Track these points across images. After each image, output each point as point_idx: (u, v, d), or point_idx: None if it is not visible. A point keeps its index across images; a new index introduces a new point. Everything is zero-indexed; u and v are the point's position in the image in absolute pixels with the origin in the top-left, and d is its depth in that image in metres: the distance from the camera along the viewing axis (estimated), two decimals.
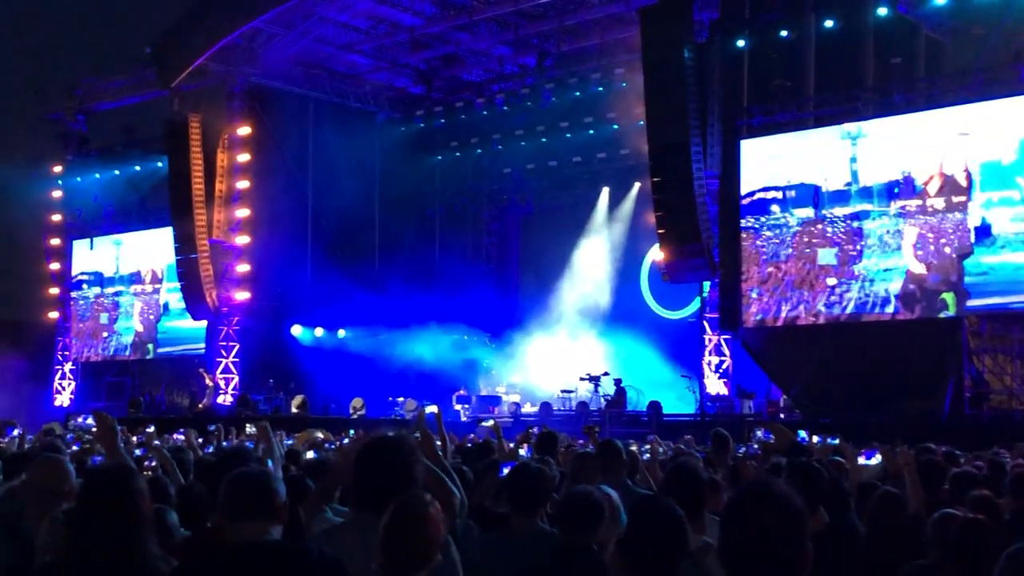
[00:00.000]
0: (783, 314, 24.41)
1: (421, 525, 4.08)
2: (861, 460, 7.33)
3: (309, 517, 5.30)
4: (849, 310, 23.42)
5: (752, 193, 24.75)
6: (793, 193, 24.21)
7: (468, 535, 5.80)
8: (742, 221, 24.92)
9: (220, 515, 4.00)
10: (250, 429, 13.08)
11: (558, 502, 5.13)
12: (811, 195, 23.92)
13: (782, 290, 24.44)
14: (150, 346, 34.03)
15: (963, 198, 21.92)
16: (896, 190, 22.82)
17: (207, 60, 29.49)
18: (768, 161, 24.63)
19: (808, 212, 24.07)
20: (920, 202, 22.59)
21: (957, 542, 5.32)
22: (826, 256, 23.89)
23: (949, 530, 5.43)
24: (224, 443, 12.59)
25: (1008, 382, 22.03)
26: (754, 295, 24.79)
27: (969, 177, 21.85)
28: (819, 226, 23.92)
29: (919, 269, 22.48)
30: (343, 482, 5.53)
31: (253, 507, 3.90)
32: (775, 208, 24.51)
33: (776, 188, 24.53)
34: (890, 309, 22.79)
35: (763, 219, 24.64)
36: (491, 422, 9.79)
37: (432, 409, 8.64)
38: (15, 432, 10.23)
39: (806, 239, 24.06)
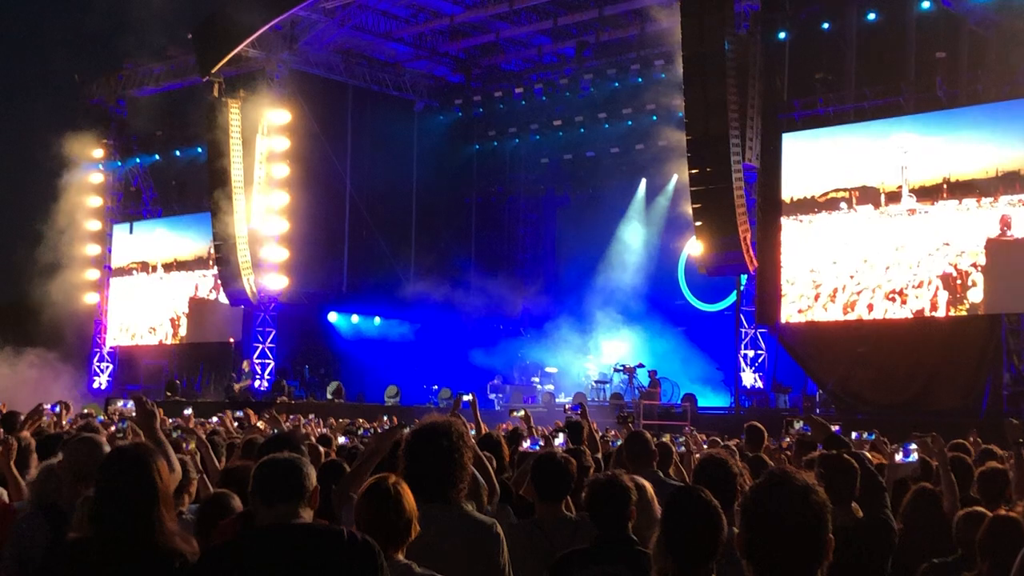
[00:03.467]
0: (821, 309, 24.27)
1: (394, 502, 4.16)
2: (898, 457, 7.27)
3: (339, 502, 5.34)
4: (887, 307, 23.24)
5: (795, 191, 24.63)
6: (840, 193, 24.07)
7: (504, 522, 5.82)
8: (783, 217, 24.81)
9: (252, 498, 4.04)
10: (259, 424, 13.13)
11: (587, 490, 5.14)
12: (860, 194, 23.77)
13: (821, 285, 24.30)
14: (187, 330, 34.28)
15: (1016, 196, 21.56)
16: (943, 190, 22.59)
17: (247, 47, 29.61)
18: (814, 160, 24.49)
19: (850, 211, 23.93)
20: (961, 201, 22.34)
21: (985, 540, 5.29)
22: (864, 254, 23.74)
23: (977, 528, 5.39)
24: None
25: None
26: (793, 289, 24.67)
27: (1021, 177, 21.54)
28: (860, 224, 23.76)
29: (962, 267, 22.27)
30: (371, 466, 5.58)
31: (285, 491, 3.94)
32: (816, 206, 24.37)
33: (820, 187, 24.40)
34: (928, 307, 22.59)
35: (803, 216, 24.51)
36: (523, 412, 9.79)
37: (467, 397, 8.68)
38: (57, 408, 10.32)
39: (845, 237, 23.91)
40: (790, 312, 24.65)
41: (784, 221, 24.72)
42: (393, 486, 4.28)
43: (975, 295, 21.96)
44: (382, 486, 4.29)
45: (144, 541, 3.93)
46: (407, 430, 5.25)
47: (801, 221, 24.56)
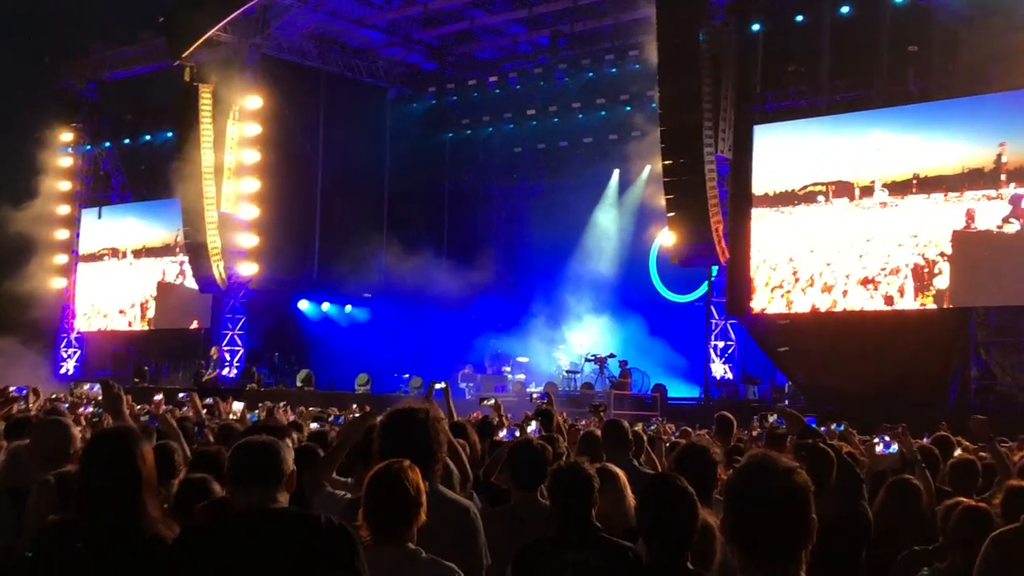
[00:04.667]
0: (791, 301, 24.40)
1: (403, 487, 4.13)
2: (879, 449, 7.32)
3: (312, 488, 5.30)
4: (857, 299, 23.40)
5: (776, 183, 24.76)
6: (818, 187, 24.25)
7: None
8: (756, 210, 24.91)
9: (228, 482, 3.99)
10: (237, 405, 13.10)
11: (549, 479, 5.12)
12: (836, 188, 23.98)
13: (799, 271, 24.41)
14: (155, 314, 34.06)
15: (988, 191, 21.87)
16: (913, 185, 22.85)
17: (219, 31, 29.39)
18: (790, 153, 24.62)
19: (827, 203, 24.11)
20: (929, 196, 22.64)
21: (956, 530, 5.32)
22: (836, 245, 23.90)
23: (951, 518, 5.43)
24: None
25: (1014, 374, 21.99)
26: (763, 281, 24.78)
27: (996, 168, 21.79)
28: (835, 216, 23.93)
29: (929, 256, 22.49)
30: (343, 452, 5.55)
31: (261, 474, 3.90)
32: (796, 198, 24.51)
33: (798, 180, 24.55)
34: (898, 294, 22.81)
35: (784, 207, 24.65)
36: (493, 400, 9.78)
37: (440, 385, 8.66)
38: (25, 391, 10.23)
39: (823, 228, 24.07)
40: (772, 298, 24.73)
41: (767, 212, 24.84)
42: (399, 470, 4.24)
43: (941, 282, 22.35)
44: (391, 470, 4.25)
45: (128, 526, 3.88)
46: (379, 418, 5.22)
47: (782, 212, 24.74)
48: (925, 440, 9.57)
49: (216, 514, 3.71)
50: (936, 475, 7.43)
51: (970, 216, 22.06)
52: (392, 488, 4.19)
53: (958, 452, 8.89)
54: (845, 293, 23.58)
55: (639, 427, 10.31)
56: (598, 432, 7.65)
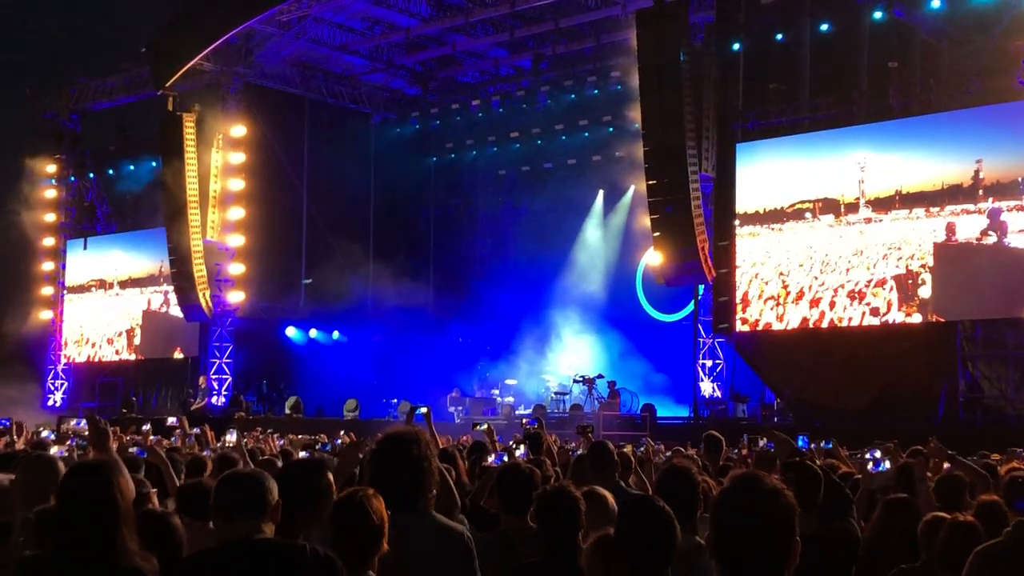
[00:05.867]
0: (779, 318, 24.48)
1: (367, 516, 4.13)
2: (870, 467, 7.34)
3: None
4: (845, 311, 23.49)
5: (765, 201, 24.92)
6: (805, 204, 24.42)
7: None
8: (742, 228, 25.01)
9: (214, 514, 3.99)
10: (230, 437, 13.03)
11: (535, 502, 5.12)
12: (823, 205, 24.18)
13: (777, 294, 24.54)
14: (141, 343, 33.95)
15: (967, 205, 22.08)
16: (896, 201, 23.05)
17: (202, 60, 29.42)
18: (775, 171, 24.78)
19: (815, 220, 24.26)
20: (911, 211, 22.85)
21: (943, 547, 5.33)
22: (823, 260, 24.03)
23: (937, 534, 5.43)
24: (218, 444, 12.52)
25: (1001, 387, 22.06)
26: (750, 298, 24.86)
27: (975, 184, 21.99)
28: (822, 232, 24.09)
29: (912, 268, 22.66)
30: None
31: (246, 506, 3.90)
32: (785, 216, 24.65)
33: (786, 198, 24.69)
34: (884, 305, 22.95)
35: (774, 224, 24.78)
36: (485, 426, 9.79)
37: (422, 410, 8.66)
38: (8, 423, 10.18)
39: (810, 243, 24.23)
40: (747, 321, 24.80)
41: (759, 229, 24.94)
42: (363, 498, 4.23)
43: (924, 292, 22.59)
44: (354, 499, 4.25)
45: (104, 559, 3.87)
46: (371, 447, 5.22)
47: (773, 229, 24.86)
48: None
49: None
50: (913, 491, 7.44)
51: (951, 229, 22.33)
52: (357, 516, 4.19)
53: (947, 466, 8.90)
54: (832, 305, 23.72)
55: (628, 448, 10.31)
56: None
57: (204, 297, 29.87)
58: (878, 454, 7.76)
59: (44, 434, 12.78)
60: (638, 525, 4.20)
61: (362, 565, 4.16)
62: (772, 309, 24.72)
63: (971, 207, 22.06)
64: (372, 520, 4.17)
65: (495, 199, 34.43)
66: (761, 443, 9.65)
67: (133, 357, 34.13)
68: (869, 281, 23.33)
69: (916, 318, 22.61)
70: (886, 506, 6.20)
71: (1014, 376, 21.96)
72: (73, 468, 4.35)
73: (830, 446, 10.39)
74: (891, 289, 22.96)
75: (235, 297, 30.82)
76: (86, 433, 10.27)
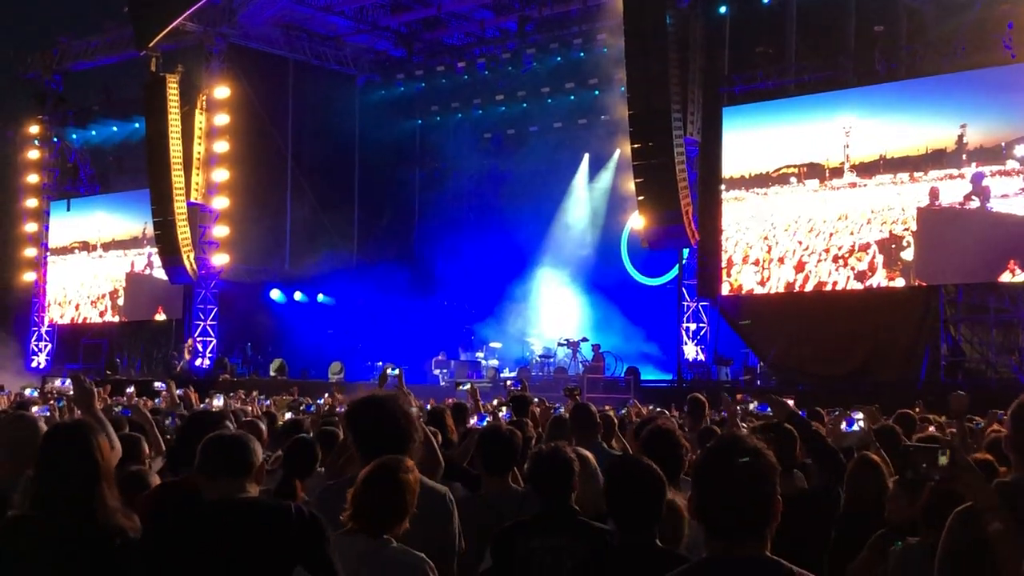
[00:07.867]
0: (762, 282, 24.57)
1: (400, 487, 4.19)
2: (843, 427, 7.40)
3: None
4: (829, 275, 23.59)
5: (750, 166, 24.92)
6: (790, 169, 24.45)
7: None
8: (728, 193, 25.04)
9: (197, 474, 4.02)
10: (217, 401, 13.05)
11: (529, 462, 5.16)
12: (808, 170, 24.20)
13: (761, 258, 24.62)
14: (125, 304, 33.88)
15: (951, 170, 22.12)
16: (880, 166, 23.08)
17: (185, 20, 29.17)
18: (760, 136, 24.79)
19: (800, 184, 24.30)
20: (895, 176, 22.89)
21: (932, 507, 5.37)
22: (808, 225, 24.10)
23: (906, 497, 5.48)
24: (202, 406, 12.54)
25: (983, 351, 22.22)
26: (734, 262, 24.93)
27: (958, 149, 22.03)
28: (808, 197, 24.13)
29: (896, 232, 22.74)
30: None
31: (230, 466, 3.93)
32: (771, 180, 24.67)
33: (771, 163, 24.72)
34: (867, 268, 23.06)
35: (759, 189, 24.80)
36: (468, 385, 9.83)
37: (394, 372, 8.69)
38: None
39: (796, 207, 24.27)
40: (731, 284, 24.89)
41: (745, 194, 24.97)
42: (396, 469, 4.31)
43: (907, 256, 22.71)
44: (388, 467, 4.33)
45: (85, 518, 3.89)
46: (341, 408, 5.28)
47: (757, 194, 24.92)
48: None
49: (160, 496, 3.71)
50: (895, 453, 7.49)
51: (934, 194, 22.41)
52: (387, 487, 4.28)
53: (931, 429, 8.97)
54: (818, 265, 23.85)
55: (609, 410, 10.37)
56: (567, 416, 7.70)
57: (188, 259, 29.78)
58: (859, 415, 7.83)
59: (28, 392, 12.78)
60: (626, 483, 4.25)
61: (386, 530, 4.26)
62: (756, 273, 24.82)
63: (955, 172, 22.13)
64: (404, 493, 4.27)
65: (480, 162, 34.31)
66: (753, 406, 9.64)
67: (117, 319, 34.05)
68: (853, 245, 23.43)
69: (899, 282, 22.74)
70: (855, 466, 6.26)
71: (995, 340, 22.15)
72: (52, 428, 4.36)
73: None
74: (875, 253, 23.07)
75: (219, 259, 30.72)
76: (70, 393, 10.28)
